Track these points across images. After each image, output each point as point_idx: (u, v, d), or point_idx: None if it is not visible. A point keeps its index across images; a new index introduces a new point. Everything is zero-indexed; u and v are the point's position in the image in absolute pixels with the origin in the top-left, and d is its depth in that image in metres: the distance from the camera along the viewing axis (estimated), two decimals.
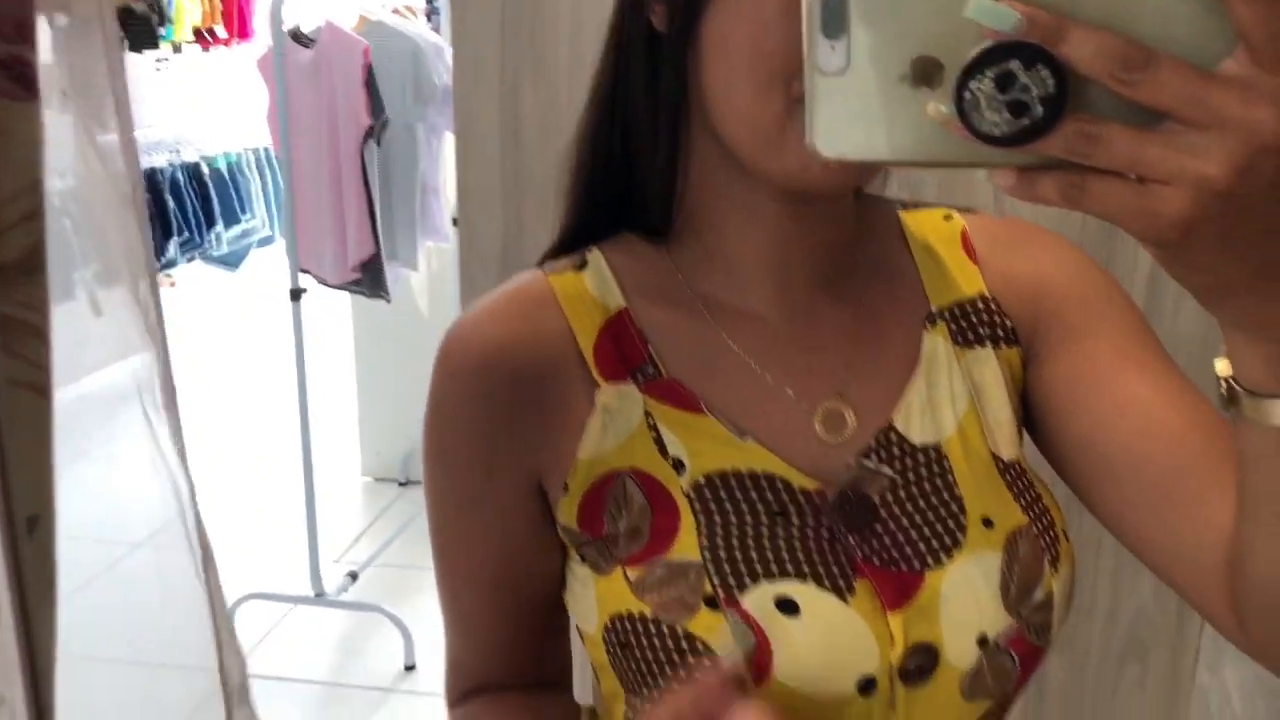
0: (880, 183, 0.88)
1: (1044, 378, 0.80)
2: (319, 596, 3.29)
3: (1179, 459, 0.71)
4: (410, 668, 3.16)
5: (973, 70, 0.43)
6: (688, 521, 0.74)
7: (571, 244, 0.83)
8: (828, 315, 0.80)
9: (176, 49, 5.35)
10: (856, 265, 0.81)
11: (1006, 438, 0.79)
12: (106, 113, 0.52)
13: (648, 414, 0.76)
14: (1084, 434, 0.76)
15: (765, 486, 0.75)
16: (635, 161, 0.78)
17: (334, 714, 2.98)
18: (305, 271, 3.28)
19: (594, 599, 0.76)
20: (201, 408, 5.22)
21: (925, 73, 0.44)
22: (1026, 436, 0.83)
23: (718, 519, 0.74)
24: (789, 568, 0.72)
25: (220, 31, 5.57)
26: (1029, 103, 0.43)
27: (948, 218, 0.86)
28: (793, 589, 0.71)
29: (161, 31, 5.12)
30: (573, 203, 0.83)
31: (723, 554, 0.72)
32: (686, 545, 0.73)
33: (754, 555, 0.72)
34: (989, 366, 0.80)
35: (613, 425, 0.76)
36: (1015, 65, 0.43)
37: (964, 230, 0.84)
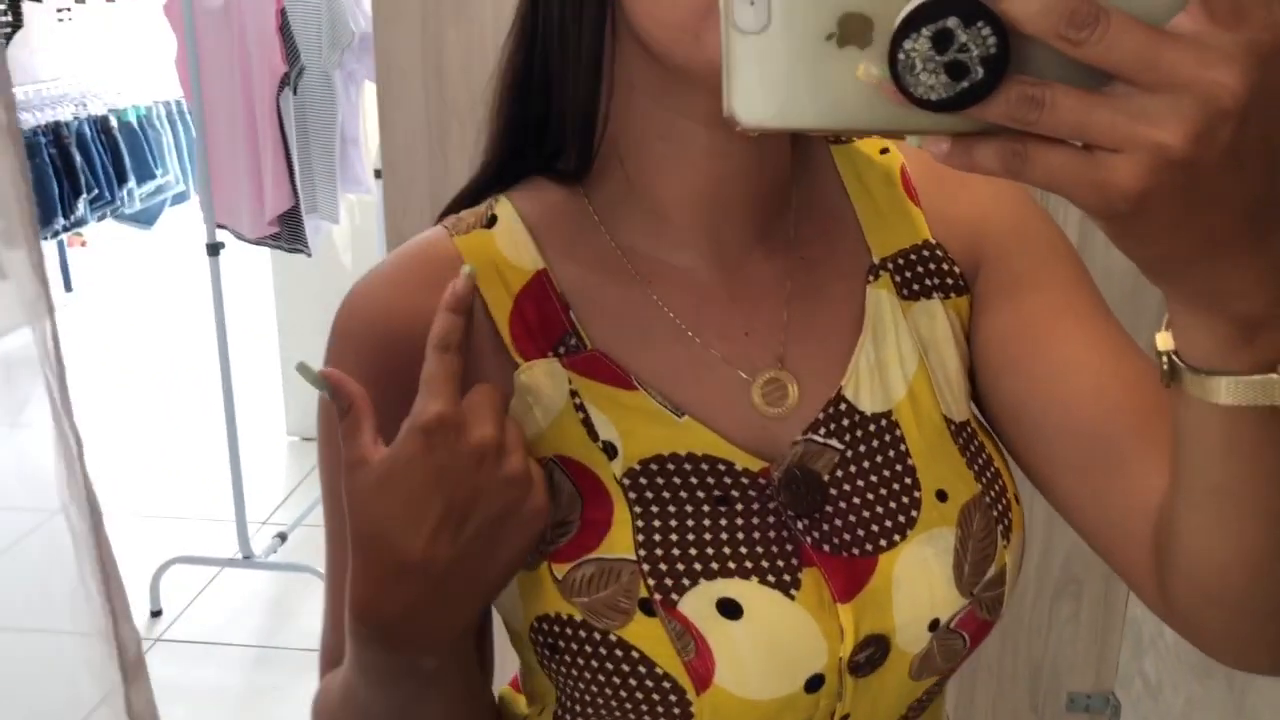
0: None
1: (981, 329, 0.76)
2: (247, 559, 3.24)
3: (1113, 425, 0.68)
4: None
5: (907, 28, 0.39)
6: (621, 514, 0.68)
7: (484, 189, 0.76)
8: (763, 269, 0.73)
9: None
10: (790, 210, 0.75)
11: (957, 397, 0.75)
12: None
13: (574, 393, 0.69)
14: (1018, 393, 0.73)
15: (706, 470, 0.69)
16: (554, 84, 0.71)
17: (266, 677, 2.93)
18: (222, 227, 3.19)
19: (518, 596, 0.70)
20: (119, 370, 5.08)
21: (854, 31, 0.41)
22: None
23: (654, 509, 0.68)
24: (730, 565, 0.67)
25: None
26: (968, 64, 0.39)
27: (884, 151, 0.79)
28: (735, 588, 0.66)
29: None
30: (490, 141, 0.75)
31: (659, 551, 0.67)
32: (619, 541, 0.67)
33: (693, 552, 0.67)
34: (937, 319, 0.75)
35: (536, 408, 0.69)
36: (953, 22, 0.39)
37: (903, 166, 0.79)
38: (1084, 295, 0.73)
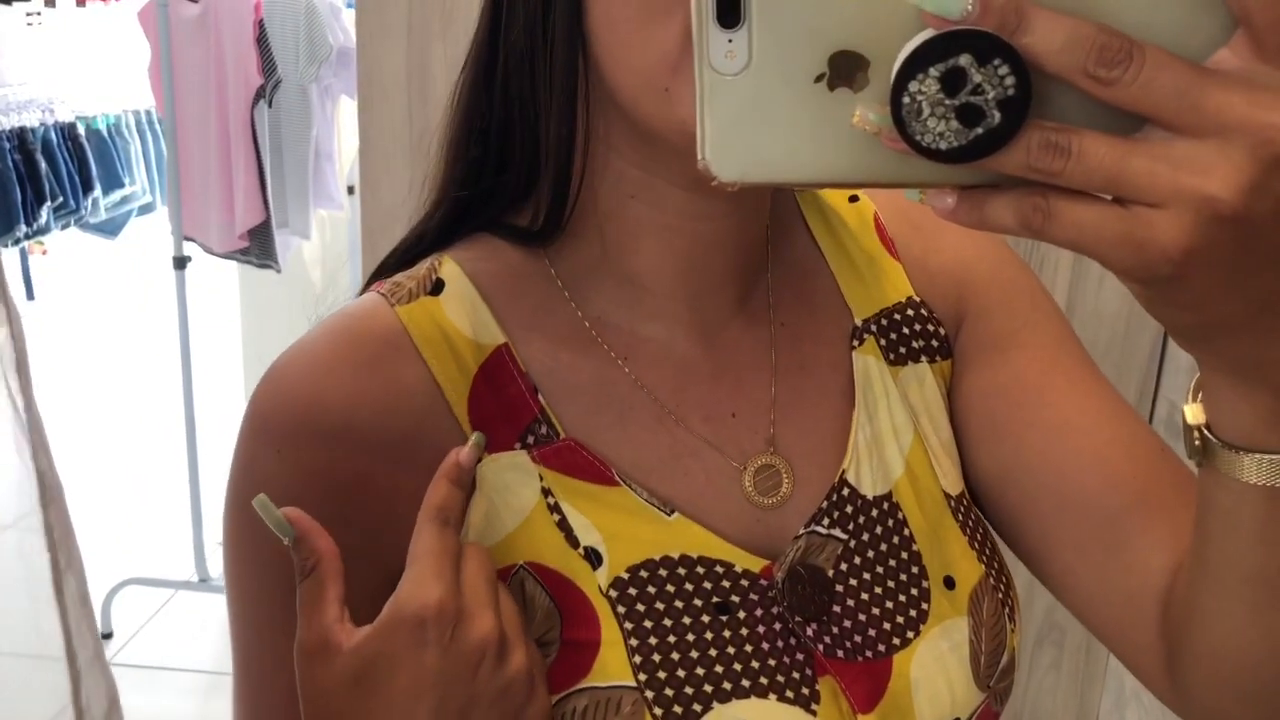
0: None
1: (963, 391, 0.70)
2: (203, 581, 3.17)
3: (1115, 495, 0.63)
4: None
5: (912, 67, 0.35)
6: (611, 632, 0.59)
7: (427, 245, 0.67)
8: (744, 340, 0.67)
9: (50, 2, 5.06)
10: (766, 273, 0.69)
11: (951, 468, 0.70)
12: None
13: (546, 490, 0.61)
14: (1006, 463, 0.68)
15: (702, 574, 0.61)
16: (518, 132, 0.62)
17: (220, 704, 2.85)
18: (190, 239, 3.14)
19: None
20: (79, 383, 4.98)
21: (847, 71, 0.36)
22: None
23: (648, 624, 0.59)
24: (744, 682, 0.59)
25: None
26: (983, 107, 0.35)
27: (854, 199, 0.73)
28: (752, 710, 0.59)
29: None
30: (438, 190, 0.66)
31: (662, 674, 0.58)
32: (614, 665, 0.58)
33: (700, 672, 0.59)
34: (926, 384, 0.70)
35: (502, 508, 0.61)
36: (966, 60, 0.34)
37: (876, 215, 0.73)
38: (1073, 354, 0.69)
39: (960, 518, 0.68)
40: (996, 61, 0.34)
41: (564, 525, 0.61)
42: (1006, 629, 0.67)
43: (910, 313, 0.71)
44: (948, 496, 0.68)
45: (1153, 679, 0.62)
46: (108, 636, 3.06)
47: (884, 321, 0.70)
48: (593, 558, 0.60)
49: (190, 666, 2.99)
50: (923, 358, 0.70)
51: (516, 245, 0.65)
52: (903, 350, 0.70)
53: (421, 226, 0.67)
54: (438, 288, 0.63)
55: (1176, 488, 0.63)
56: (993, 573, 0.68)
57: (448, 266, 0.64)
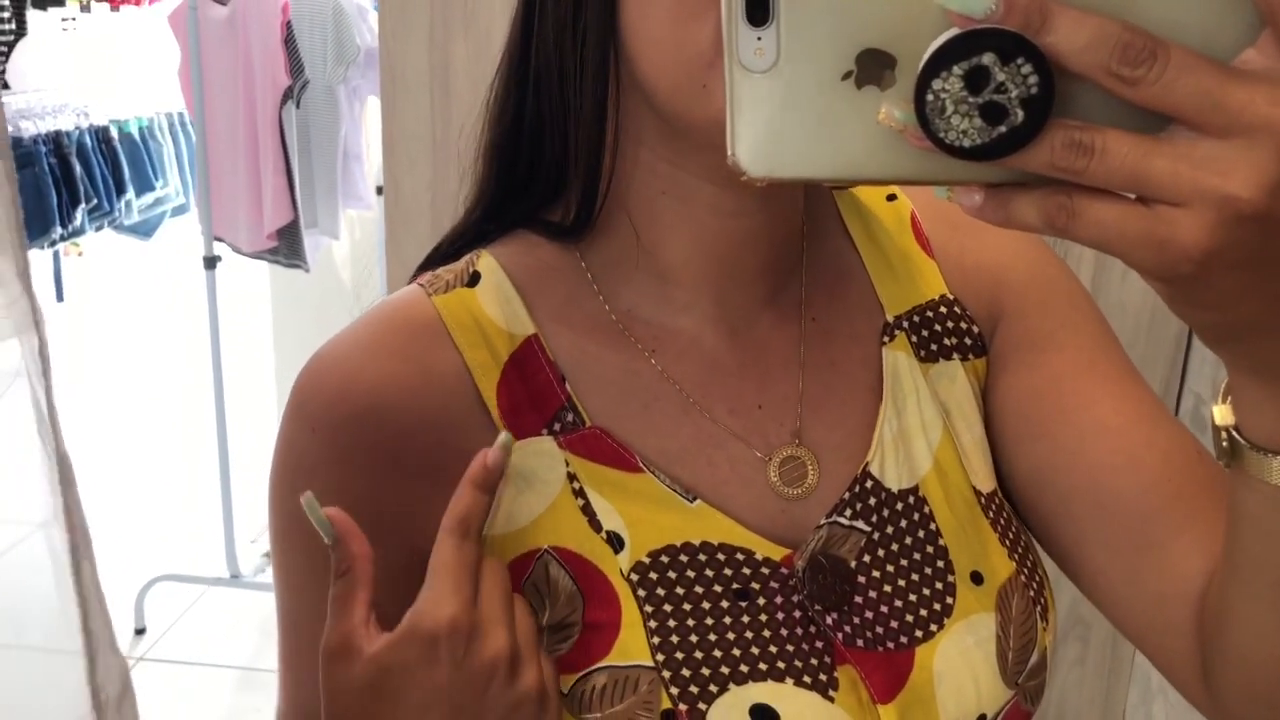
0: None
1: (999, 391, 0.70)
2: (235, 578, 3.19)
3: (1149, 498, 0.63)
4: None
5: (936, 65, 0.35)
6: (631, 614, 0.60)
7: (467, 241, 0.69)
8: (773, 335, 0.68)
9: (84, 7, 5.13)
10: (800, 270, 0.69)
11: (983, 466, 0.69)
12: None
13: (571, 476, 0.62)
14: (1040, 463, 0.68)
15: (723, 561, 0.62)
16: (551, 132, 0.64)
17: (251, 700, 2.88)
18: (219, 240, 3.17)
19: None
20: (112, 382, 5.04)
21: (874, 69, 0.37)
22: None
23: (668, 607, 0.60)
24: (761, 666, 0.60)
25: None
26: (1006, 106, 0.35)
27: (891, 197, 0.74)
28: (768, 693, 0.59)
29: None
30: (476, 188, 0.68)
31: (680, 655, 0.59)
32: (633, 645, 0.60)
33: (717, 654, 0.60)
34: (958, 383, 0.70)
35: (529, 491, 0.62)
36: (989, 59, 0.35)
37: (913, 213, 0.73)
38: (1110, 355, 0.69)
39: (991, 515, 0.68)
40: (1020, 60, 0.35)
41: (588, 510, 0.62)
42: (1038, 627, 0.66)
43: (943, 310, 0.71)
44: (978, 493, 0.68)
45: (1185, 682, 0.62)
46: (141, 632, 3.09)
47: (916, 319, 0.70)
48: (615, 542, 0.62)
49: (222, 662, 3.01)
50: (954, 355, 0.70)
51: (551, 240, 0.67)
52: (934, 347, 0.70)
53: (462, 224, 0.69)
54: (474, 280, 0.66)
55: (1213, 492, 0.62)
56: (1025, 570, 0.67)
57: (485, 260, 0.67)
